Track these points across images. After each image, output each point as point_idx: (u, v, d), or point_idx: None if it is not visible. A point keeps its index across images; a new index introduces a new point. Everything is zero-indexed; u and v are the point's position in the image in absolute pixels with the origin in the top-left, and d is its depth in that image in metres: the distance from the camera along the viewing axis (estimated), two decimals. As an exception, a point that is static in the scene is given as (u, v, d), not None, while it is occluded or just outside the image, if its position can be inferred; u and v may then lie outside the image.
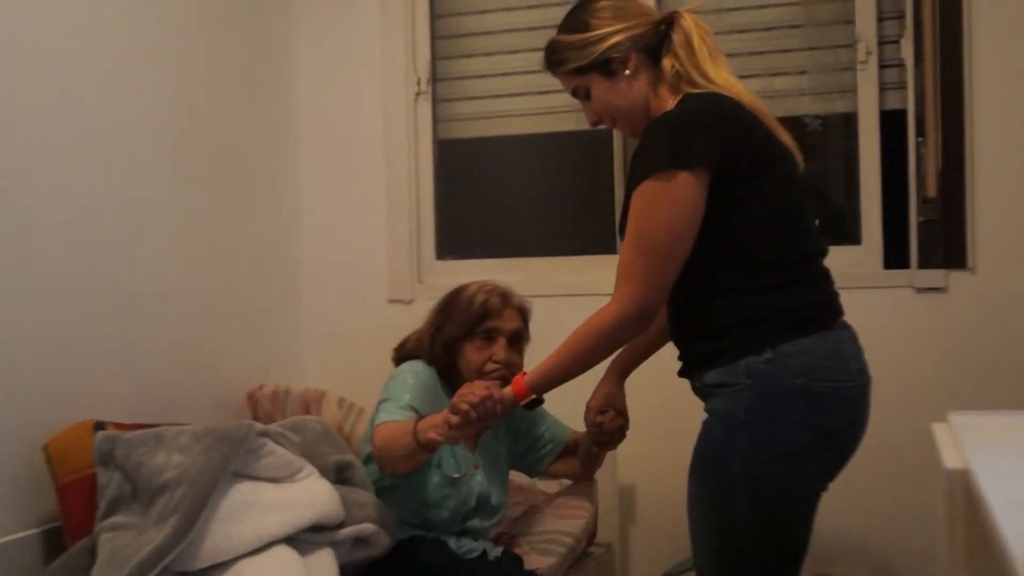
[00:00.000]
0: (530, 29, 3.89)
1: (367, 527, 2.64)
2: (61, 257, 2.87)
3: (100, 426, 2.74)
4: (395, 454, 2.58)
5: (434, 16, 4.01)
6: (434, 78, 4.01)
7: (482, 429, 2.39)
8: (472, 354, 2.81)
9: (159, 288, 3.25)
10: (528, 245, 4.02)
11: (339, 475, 2.79)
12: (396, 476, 2.69)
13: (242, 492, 2.51)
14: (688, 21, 2.32)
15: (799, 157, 2.32)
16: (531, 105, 3.92)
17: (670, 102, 2.28)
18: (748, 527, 2.16)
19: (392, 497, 2.77)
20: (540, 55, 3.79)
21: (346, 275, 4.01)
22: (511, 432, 3.01)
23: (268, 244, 3.86)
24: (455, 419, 2.35)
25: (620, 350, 2.53)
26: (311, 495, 2.60)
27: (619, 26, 2.31)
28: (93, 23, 3.03)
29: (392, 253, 3.97)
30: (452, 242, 4.06)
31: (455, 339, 2.83)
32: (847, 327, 2.27)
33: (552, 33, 3.69)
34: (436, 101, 4.02)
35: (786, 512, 2.19)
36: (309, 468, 2.67)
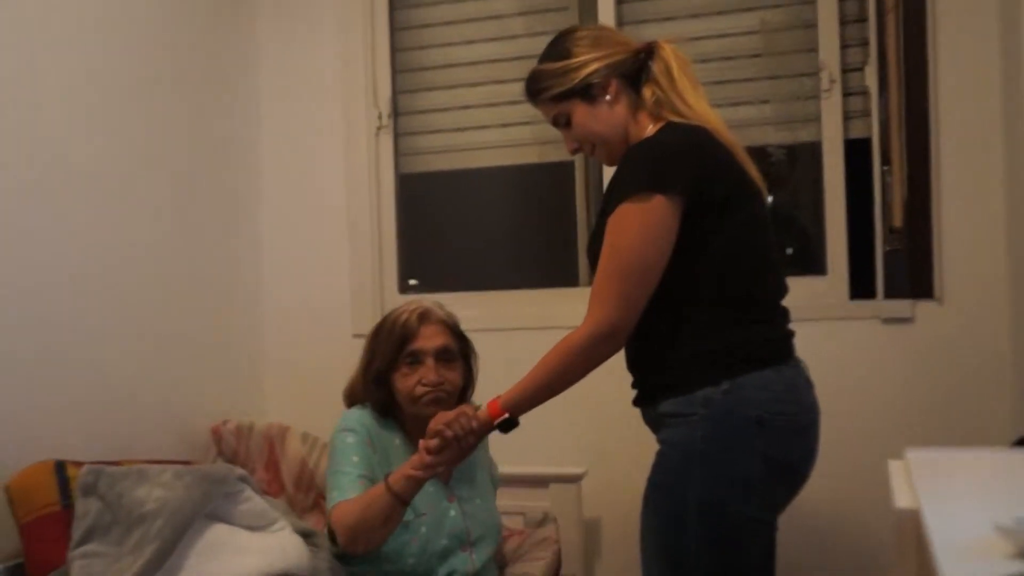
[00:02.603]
0: (491, 62, 3.89)
1: None
2: (19, 295, 2.84)
3: (60, 465, 2.79)
4: (370, 523, 2.48)
5: (395, 50, 4.00)
6: (396, 112, 3.99)
7: (462, 452, 2.40)
8: (401, 382, 2.71)
9: (120, 325, 3.21)
10: (491, 278, 4.00)
11: (306, 541, 2.82)
12: (369, 551, 2.57)
13: (218, 533, 2.59)
14: (667, 51, 2.38)
15: (766, 193, 2.36)
16: (493, 138, 3.91)
17: (649, 128, 2.34)
18: (699, 556, 2.18)
19: (357, 565, 2.68)
20: (502, 88, 3.83)
21: (309, 309, 3.98)
22: (483, 460, 2.92)
23: (230, 278, 3.83)
24: (433, 443, 2.35)
25: None
26: (283, 545, 2.67)
27: (599, 53, 2.37)
28: (59, 50, 3.00)
29: (355, 287, 3.93)
30: (415, 276, 4.03)
31: (383, 372, 2.73)
32: (800, 363, 2.33)
33: (513, 65, 3.71)
34: (398, 135, 4.00)
35: (737, 542, 2.20)
36: (284, 522, 2.74)
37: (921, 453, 1.37)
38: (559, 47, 2.43)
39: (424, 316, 2.75)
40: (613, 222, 2.22)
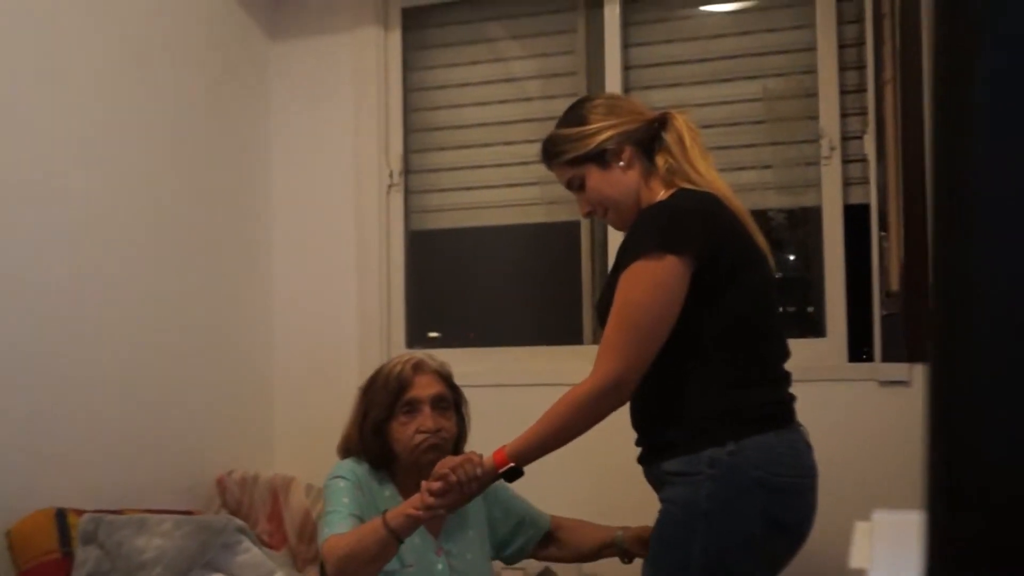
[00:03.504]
0: (502, 124, 3.97)
1: None
2: (24, 339, 2.88)
3: (61, 513, 2.80)
4: (361, 557, 2.48)
5: (407, 110, 4.08)
6: (407, 170, 4.07)
7: (462, 498, 2.41)
8: (399, 431, 2.72)
9: (126, 372, 3.26)
10: (498, 335, 4.05)
11: None
12: None
13: None
14: (680, 121, 2.46)
15: (771, 259, 2.43)
16: (502, 197, 3.98)
17: (661, 194, 2.41)
18: None
19: None
20: (511, 149, 3.90)
21: (317, 361, 4.01)
22: (487, 519, 2.91)
23: (240, 329, 3.88)
24: (436, 486, 2.36)
25: None
26: None
27: (614, 120, 2.45)
28: (74, 104, 3.09)
29: (363, 340, 3.98)
30: (422, 330, 4.08)
31: (380, 422, 2.74)
32: (800, 427, 2.37)
33: (523, 127, 3.79)
34: (408, 192, 4.08)
35: None
36: (281, 574, 2.77)
37: (888, 515, 1.39)
38: (576, 113, 2.51)
39: (418, 367, 2.78)
40: (625, 279, 2.28)
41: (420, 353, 2.89)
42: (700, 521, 2.21)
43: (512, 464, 2.37)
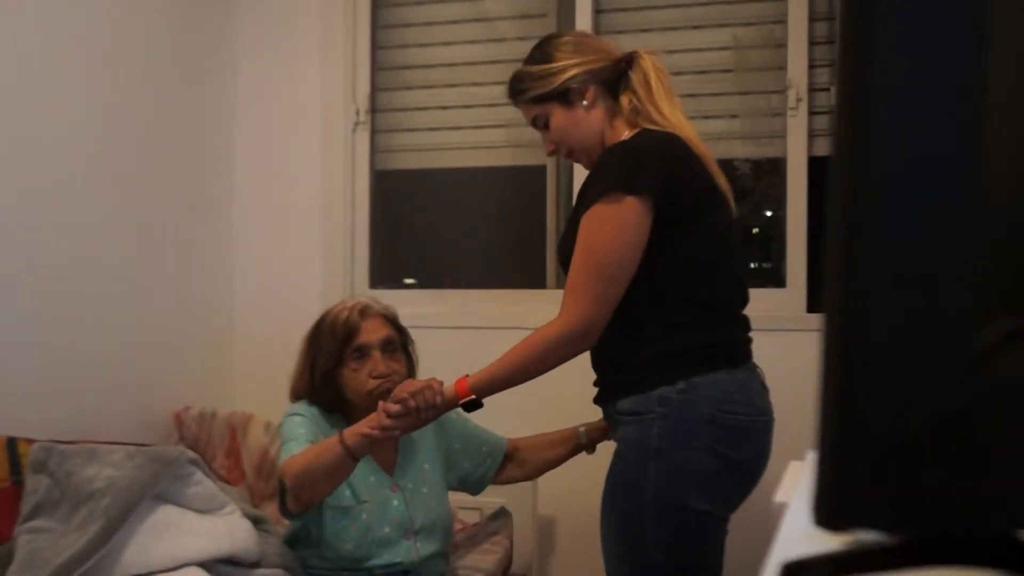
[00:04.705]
0: (470, 64, 3.95)
1: (279, 572, 2.69)
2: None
3: (12, 442, 2.80)
4: (316, 473, 2.47)
5: (375, 47, 4.06)
6: (373, 109, 4.05)
7: (418, 423, 2.42)
8: (351, 378, 2.71)
9: (84, 305, 3.25)
10: (461, 277, 4.06)
11: (256, 527, 2.84)
12: (309, 507, 2.60)
13: (167, 514, 2.59)
14: (647, 61, 2.45)
15: (733, 205, 2.43)
16: (468, 139, 3.97)
17: (625, 134, 2.40)
18: (659, 553, 2.24)
19: (300, 550, 2.75)
20: (479, 90, 3.89)
21: (279, 300, 4.01)
22: (446, 453, 2.91)
23: (201, 268, 3.87)
24: (395, 408, 2.37)
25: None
26: (232, 529, 2.68)
27: (579, 59, 2.44)
28: (29, 49, 3.04)
29: (326, 280, 3.98)
30: (385, 271, 4.09)
31: (330, 370, 2.73)
32: (755, 368, 2.39)
33: (491, 69, 3.78)
34: (375, 132, 4.06)
35: (696, 537, 2.27)
36: (233, 506, 2.75)
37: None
38: (542, 51, 2.50)
39: (364, 311, 2.77)
40: (586, 223, 2.29)
41: (363, 298, 2.87)
42: (652, 459, 2.23)
43: (473, 396, 2.39)
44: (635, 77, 2.44)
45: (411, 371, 2.83)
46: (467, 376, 2.41)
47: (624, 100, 2.44)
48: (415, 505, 2.76)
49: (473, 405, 2.42)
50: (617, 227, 2.25)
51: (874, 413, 0.55)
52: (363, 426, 2.44)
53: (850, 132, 0.55)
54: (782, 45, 3.61)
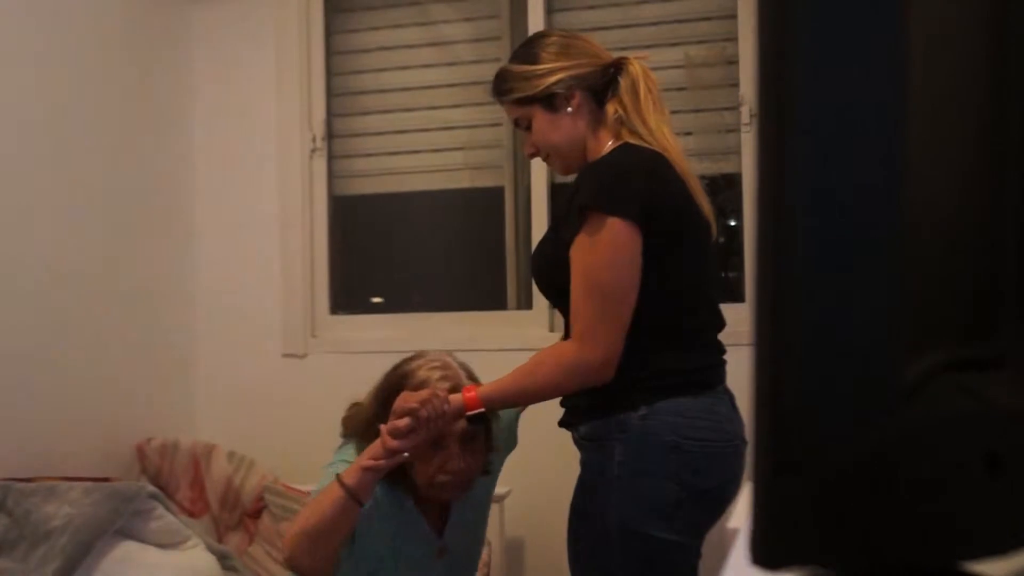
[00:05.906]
0: (425, 88, 3.96)
1: None
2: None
3: None
4: (318, 529, 2.14)
5: (330, 74, 4.06)
6: (330, 135, 4.05)
7: (429, 437, 2.17)
8: (419, 466, 2.25)
9: (43, 338, 3.23)
10: (420, 300, 4.06)
11: (221, 563, 2.81)
12: (316, 571, 2.19)
13: (127, 550, 2.59)
14: (637, 68, 2.32)
15: (714, 226, 2.35)
16: (426, 163, 3.97)
17: (608, 144, 2.30)
18: None
19: None
20: (435, 113, 3.89)
21: (240, 329, 4.00)
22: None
23: (161, 296, 3.85)
24: (405, 422, 2.11)
25: None
26: (194, 564, 2.67)
27: (566, 63, 2.33)
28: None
29: (286, 307, 3.97)
30: (346, 297, 4.08)
31: None
32: (725, 392, 2.30)
33: (447, 92, 3.77)
34: (332, 157, 4.06)
35: (662, 566, 2.20)
36: (196, 540, 2.74)
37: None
38: (528, 50, 2.40)
39: (453, 391, 2.25)
40: (577, 250, 2.19)
41: (453, 362, 2.35)
42: (613, 487, 2.18)
43: (482, 409, 2.24)
44: (623, 84, 2.31)
45: (488, 450, 2.37)
46: (475, 386, 2.27)
47: (610, 108, 2.32)
48: (456, 569, 2.46)
49: (479, 419, 2.26)
50: (609, 248, 2.16)
51: (805, 449, 0.56)
52: (364, 459, 2.15)
53: (772, 166, 0.56)
54: (734, 62, 3.63)
